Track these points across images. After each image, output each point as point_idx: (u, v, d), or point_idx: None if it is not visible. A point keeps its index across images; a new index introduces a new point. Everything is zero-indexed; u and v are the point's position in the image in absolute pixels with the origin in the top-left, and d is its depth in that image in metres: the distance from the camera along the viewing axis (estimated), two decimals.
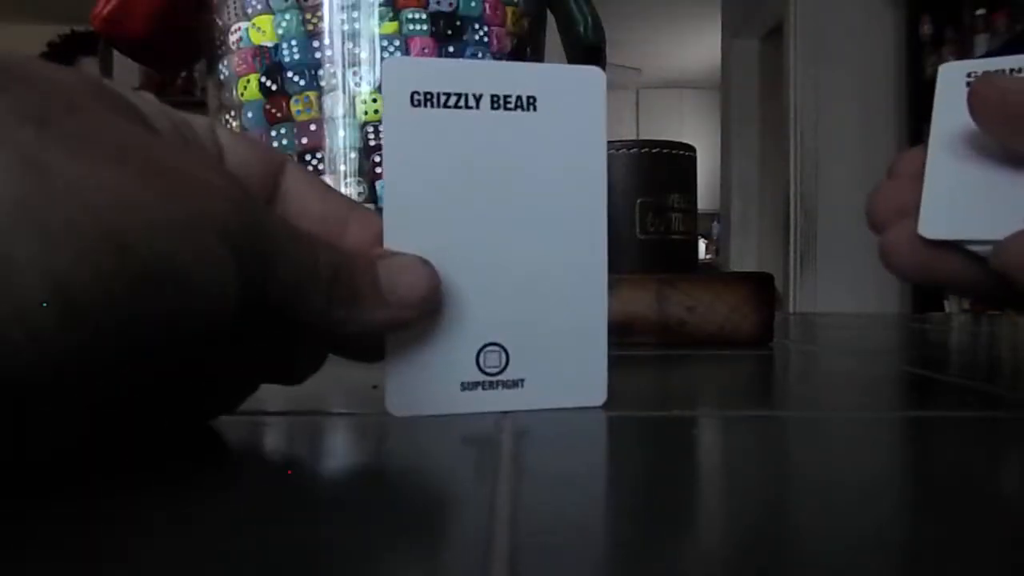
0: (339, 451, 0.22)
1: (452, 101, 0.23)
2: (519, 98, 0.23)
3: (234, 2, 0.58)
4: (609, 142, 0.53)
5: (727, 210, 3.75)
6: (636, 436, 0.23)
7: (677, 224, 0.52)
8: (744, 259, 3.60)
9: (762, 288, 0.47)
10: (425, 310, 0.22)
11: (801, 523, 0.15)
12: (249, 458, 0.20)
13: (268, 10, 0.56)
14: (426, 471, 0.19)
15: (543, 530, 0.14)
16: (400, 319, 0.21)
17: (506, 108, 0.23)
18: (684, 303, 0.46)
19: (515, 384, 0.24)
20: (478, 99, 0.23)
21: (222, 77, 0.60)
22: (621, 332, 0.45)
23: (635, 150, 0.52)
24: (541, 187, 0.23)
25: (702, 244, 5.09)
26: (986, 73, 0.25)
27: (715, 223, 4.70)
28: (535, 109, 0.23)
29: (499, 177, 0.23)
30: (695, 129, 5.19)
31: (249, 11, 0.57)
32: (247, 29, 0.57)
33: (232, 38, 0.58)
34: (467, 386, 0.23)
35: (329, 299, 0.19)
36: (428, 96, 0.22)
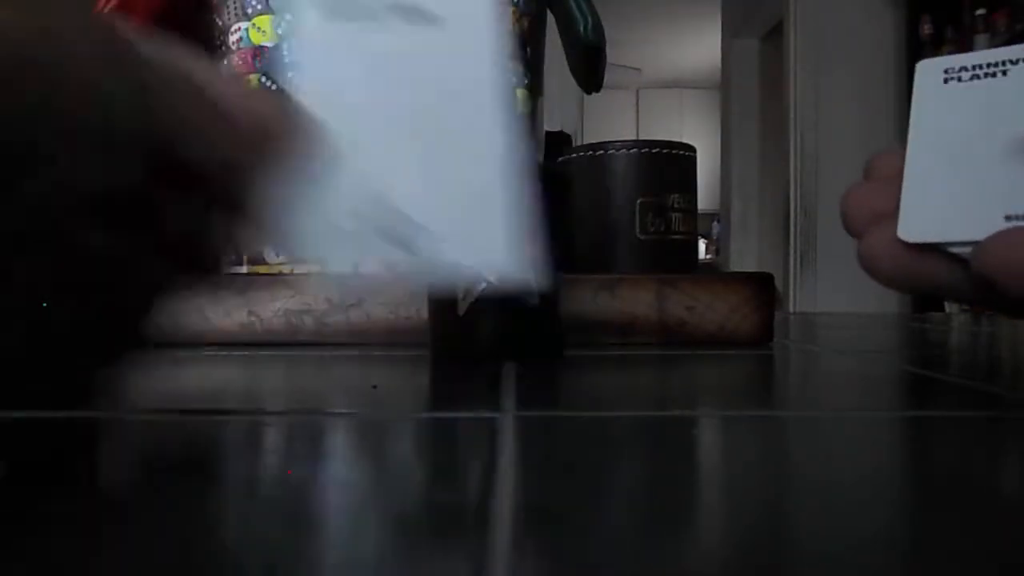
0: (339, 451, 0.22)
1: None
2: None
3: (234, 2, 0.58)
4: (609, 142, 0.53)
5: (727, 210, 3.75)
6: (636, 436, 0.23)
7: (677, 224, 0.52)
8: (744, 259, 3.60)
9: (762, 288, 0.47)
10: (277, 138, 0.22)
11: (801, 523, 0.15)
12: (249, 458, 0.20)
13: (268, 10, 0.56)
14: (425, 470, 0.19)
15: (542, 530, 0.14)
16: (256, 142, 0.21)
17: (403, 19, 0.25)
18: (684, 303, 0.46)
19: (417, 240, 0.24)
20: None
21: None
22: (621, 332, 0.45)
23: (635, 150, 0.52)
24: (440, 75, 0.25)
25: (702, 244, 5.09)
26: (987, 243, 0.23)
27: (715, 223, 4.70)
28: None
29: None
30: (695, 129, 5.19)
31: (249, 11, 0.57)
32: (247, 29, 0.57)
33: (232, 38, 0.58)
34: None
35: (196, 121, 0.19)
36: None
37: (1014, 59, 0.24)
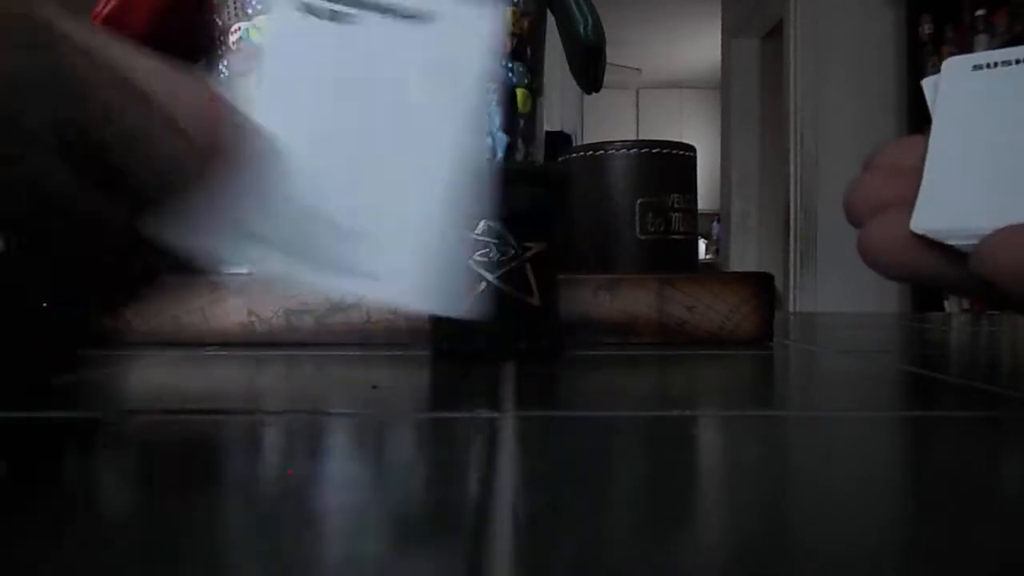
0: (338, 451, 0.22)
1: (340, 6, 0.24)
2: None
3: (234, 2, 0.58)
4: (609, 142, 0.53)
5: (727, 210, 3.75)
6: (636, 436, 0.23)
7: (677, 224, 0.52)
8: (744, 259, 3.60)
9: (762, 288, 0.47)
10: (217, 140, 0.21)
11: (801, 523, 0.15)
12: (248, 457, 0.20)
13: (268, 10, 0.56)
14: (425, 471, 0.19)
15: (542, 530, 0.14)
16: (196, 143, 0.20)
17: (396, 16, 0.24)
18: (684, 303, 0.46)
19: (369, 275, 0.24)
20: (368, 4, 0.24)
21: (222, 77, 0.60)
22: (621, 332, 0.45)
23: (635, 150, 0.52)
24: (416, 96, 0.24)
25: (702, 244, 5.09)
26: (1008, 230, 0.24)
27: (715, 223, 4.70)
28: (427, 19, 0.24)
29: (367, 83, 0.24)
30: (695, 129, 5.19)
31: (249, 11, 0.57)
32: (247, 29, 0.57)
33: (232, 38, 0.58)
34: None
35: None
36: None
37: None
